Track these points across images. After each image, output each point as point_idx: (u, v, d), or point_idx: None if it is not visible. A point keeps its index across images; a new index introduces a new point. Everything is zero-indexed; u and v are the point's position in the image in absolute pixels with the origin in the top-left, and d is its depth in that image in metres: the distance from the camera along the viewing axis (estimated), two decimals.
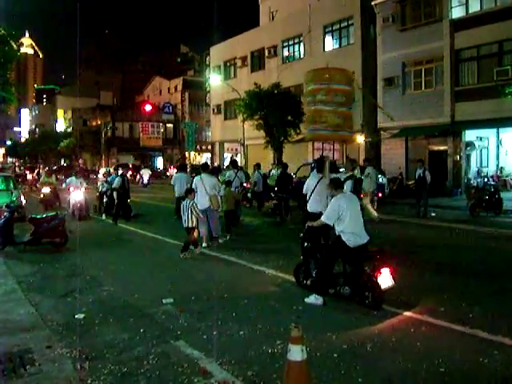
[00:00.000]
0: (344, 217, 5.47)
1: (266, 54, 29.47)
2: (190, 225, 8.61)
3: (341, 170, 10.82)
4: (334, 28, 25.37)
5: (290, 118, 22.91)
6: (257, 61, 30.66)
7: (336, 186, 5.82)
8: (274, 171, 17.45)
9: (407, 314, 5.26)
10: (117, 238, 11.10)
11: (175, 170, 23.71)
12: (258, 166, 15.99)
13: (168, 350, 4.36)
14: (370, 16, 22.95)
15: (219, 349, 4.33)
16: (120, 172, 14.29)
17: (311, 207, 7.32)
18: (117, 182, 13.44)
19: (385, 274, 5.27)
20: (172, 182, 13.68)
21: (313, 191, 7.36)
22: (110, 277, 7.28)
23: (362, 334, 4.69)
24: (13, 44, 21.46)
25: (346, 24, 24.55)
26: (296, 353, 2.99)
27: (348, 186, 7.69)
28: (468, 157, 20.39)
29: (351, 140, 9.41)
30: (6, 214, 9.40)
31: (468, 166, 20.38)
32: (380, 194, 15.44)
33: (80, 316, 5.35)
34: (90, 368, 4.03)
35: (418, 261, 8.00)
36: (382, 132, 22.59)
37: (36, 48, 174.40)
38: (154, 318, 5.31)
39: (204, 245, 9.33)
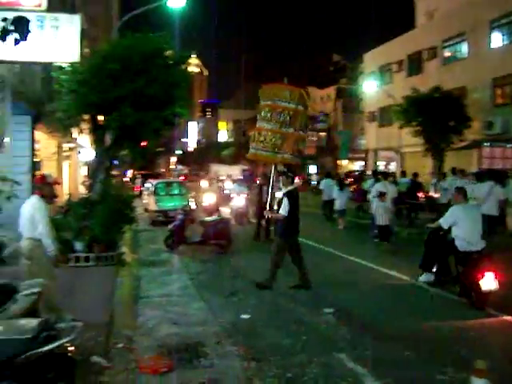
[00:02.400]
0: (459, 224, 6.11)
1: (425, 56, 27.68)
2: (383, 223, 10.12)
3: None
4: (503, 22, 22.42)
5: (452, 123, 21.18)
6: (414, 64, 29.01)
7: (461, 195, 6.43)
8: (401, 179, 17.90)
9: None
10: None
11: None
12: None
13: (331, 361, 4.34)
14: None
15: (384, 368, 4.16)
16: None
17: (491, 211, 9.18)
18: None
19: (488, 276, 5.59)
20: (321, 187, 16.01)
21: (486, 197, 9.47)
22: None
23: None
24: (185, 65, 24.31)
25: None
26: None
27: (285, 204, 6.85)
28: None
29: (296, 164, 8.65)
30: (180, 216, 10.57)
31: None
32: None
33: (245, 316, 5.68)
34: (256, 368, 4.22)
35: None
36: None
37: (201, 66, 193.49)
38: (314, 326, 5.36)
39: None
